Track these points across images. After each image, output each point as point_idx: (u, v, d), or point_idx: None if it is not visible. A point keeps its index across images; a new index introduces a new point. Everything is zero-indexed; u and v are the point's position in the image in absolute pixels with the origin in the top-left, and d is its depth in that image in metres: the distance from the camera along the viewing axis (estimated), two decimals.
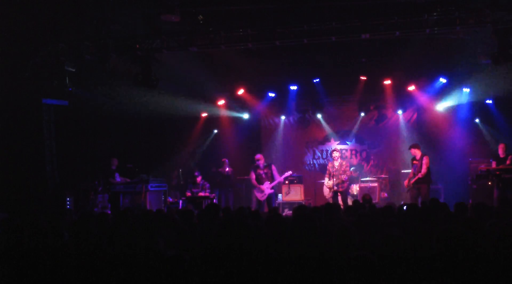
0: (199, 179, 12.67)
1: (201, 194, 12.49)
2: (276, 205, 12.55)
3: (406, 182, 11.34)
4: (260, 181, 11.80)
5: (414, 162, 11.20)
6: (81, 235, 4.84)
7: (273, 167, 12.11)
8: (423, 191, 10.89)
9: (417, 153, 11.21)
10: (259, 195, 11.79)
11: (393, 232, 3.47)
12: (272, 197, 11.92)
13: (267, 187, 11.74)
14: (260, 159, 12.01)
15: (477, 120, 14.14)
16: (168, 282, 3.08)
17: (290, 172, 12.70)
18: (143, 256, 4.08)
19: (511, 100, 13.16)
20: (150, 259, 3.88)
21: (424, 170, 10.92)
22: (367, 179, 14.46)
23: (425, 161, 11.05)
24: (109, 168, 12.96)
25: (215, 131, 16.02)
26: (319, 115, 15.21)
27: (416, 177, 10.95)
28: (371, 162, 15.19)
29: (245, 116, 15.86)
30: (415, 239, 3.86)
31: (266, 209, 11.52)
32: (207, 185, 12.79)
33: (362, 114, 14.87)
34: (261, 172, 11.80)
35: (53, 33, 10.75)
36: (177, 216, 6.60)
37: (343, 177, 11.89)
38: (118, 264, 3.87)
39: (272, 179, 11.84)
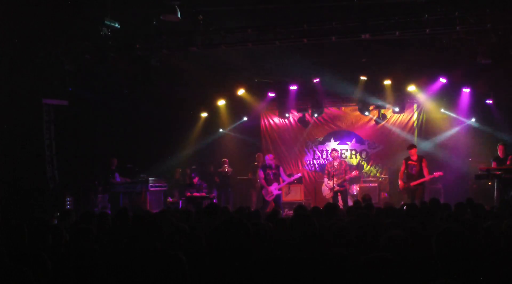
0: (195, 179, 12.66)
1: (196, 194, 12.48)
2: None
3: (401, 183, 11.48)
4: (268, 181, 11.74)
5: (410, 162, 11.38)
6: (81, 235, 4.84)
7: (281, 169, 12.12)
8: (420, 192, 11.14)
9: (414, 154, 11.42)
10: (266, 196, 11.75)
11: (397, 233, 3.47)
12: (280, 197, 11.90)
13: (275, 188, 11.71)
14: (271, 158, 11.97)
15: (476, 120, 14.14)
16: (168, 282, 3.08)
17: (299, 174, 12.90)
18: (143, 255, 4.08)
19: (511, 100, 13.15)
20: (150, 259, 3.87)
21: (427, 173, 11.21)
22: (367, 179, 14.48)
23: (426, 163, 11.35)
24: (109, 168, 12.96)
25: (221, 130, 16.02)
26: (319, 116, 15.21)
27: (422, 180, 11.22)
28: (371, 162, 15.20)
29: (245, 116, 15.87)
30: (416, 239, 3.86)
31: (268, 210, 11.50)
32: (204, 185, 12.78)
33: (362, 114, 14.87)
34: (270, 172, 11.76)
35: (53, 33, 10.75)
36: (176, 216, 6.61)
37: (344, 176, 11.94)
38: (118, 263, 3.87)
39: (279, 179, 11.80)
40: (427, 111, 14.76)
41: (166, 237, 4.88)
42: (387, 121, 15.04)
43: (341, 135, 15.55)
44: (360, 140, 15.40)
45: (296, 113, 15.62)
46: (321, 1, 10.10)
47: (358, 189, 13.64)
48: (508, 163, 10.89)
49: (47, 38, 10.96)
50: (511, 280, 3.07)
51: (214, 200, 12.69)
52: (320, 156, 15.66)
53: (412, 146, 11.70)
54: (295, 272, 3.06)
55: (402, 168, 11.54)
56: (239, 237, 3.01)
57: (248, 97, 15.09)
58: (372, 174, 15.00)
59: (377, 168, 15.14)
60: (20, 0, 9.50)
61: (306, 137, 15.83)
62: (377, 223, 4.45)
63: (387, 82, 13.88)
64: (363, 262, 2.74)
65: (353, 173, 12.29)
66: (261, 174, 11.91)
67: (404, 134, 14.94)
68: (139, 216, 6.85)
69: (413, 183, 11.26)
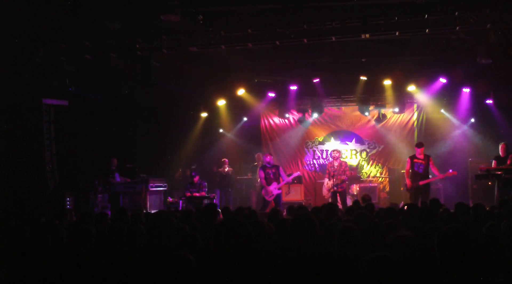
0: (196, 179, 12.65)
1: (197, 194, 12.47)
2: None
3: (409, 181, 11.04)
4: (268, 181, 11.73)
5: (416, 160, 11.00)
6: (81, 235, 4.84)
7: (281, 169, 12.09)
8: (428, 193, 10.81)
9: (422, 152, 11.07)
10: (266, 196, 11.74)
11: (405, 233, 3.46)
12: (280, 197, 11.88)
13: (274, 188, 11.69)
14: (269, 159, 11.96)
15: (476, 120, 14.14)
16: (168, 282, 3.08)
17: (298, 173, 12.88)
18: (143, 255, 4.08)
19: (511, 100, 13.16)
20: (150, 259, 3.88)
21: (438, 171, 11.00)
22: (367, 179, 14.47)
23: (433, 162, 11.08)
24: (109, 168, 12.95)
25: (221, 130, 16.03)
26: (319, 115, 15.21)
27: (435, 178, 11.06)
28: (371, 162, 15.21)
29: (245, 116, 15.87)
30: (419, 240, 3.85)
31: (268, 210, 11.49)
32: (205, 184, 12.76)
33: (362, 114, 14.87)
34: (270, 171, 11.75)
35: (53, 33, 10.75)
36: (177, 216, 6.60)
37: (343, 177, 11.94)
38: (117, 264, 3.87)
39: (279, 179, 11.78)
40: (427, 111, 14.77)
41: (166, 237, 4.88)
42: (387, 121, 15.06)
43: (341, 135, 15.56)
44: (360, 141, 15.41)
45: (296, 113, 15.63)
46: (321, 1, 10.09)
47: (358, 189, 13.64)
48: (508, 161, 10.88)
49: (47, 38, 10.96)
50: (511, 280, 3.08)
51: (214, 200, 12.68)
52: (320, 156, 15.67)
53: (421, 144, 11.26)
54: (295, 272, 3.06)
55: (408, 166, 11.14)
56: (239, 237, 3.01)
57: (248, 97, 15.09)
58: (372, 174, 15.01)
59: (377, 168, 15.15)
60: (20, 0, 9.49)
61: (306, 137, 15.85)
62: (378, 224, 4.46)
63: (387, 82, 13.89)
64: (366, 261, 2.74)
65: (347, 173, 12.21)
66: (261, 173, 11.89)
67: (404, 135, 14.95)
68: (138, 216, 6.86)
69: (422, 182, 10.83)
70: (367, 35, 10.14)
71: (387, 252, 2.84)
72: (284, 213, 7.99)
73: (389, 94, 14.19)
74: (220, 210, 7.74)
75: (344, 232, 3.97)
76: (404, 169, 12.10)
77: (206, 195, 12.58)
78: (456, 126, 14.40)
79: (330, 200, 11.66)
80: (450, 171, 11.22)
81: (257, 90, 15.03)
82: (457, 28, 9.74)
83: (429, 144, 14.08)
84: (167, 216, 6.56)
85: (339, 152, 12.64)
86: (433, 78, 13.53)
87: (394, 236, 3.36)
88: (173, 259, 3.01)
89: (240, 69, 13.77)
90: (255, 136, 16.14)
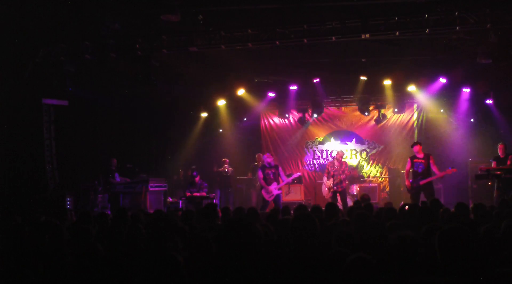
0: (197, 179, 12.65)
1: (197, 194, 12.47)
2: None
3: (408, 182, 10.91)
4: (267, 181, 11.71)
5: (416, 160, 10.83)
6: (81, 235, 4.84)
7: (280, 168, 12.07)
8: (431, 191, 10.64)
9: (420, 151, 10.90)
10: (266, 195, 11.71)
11: (406, 233, 3.46)
12: (279, 197, 11.86)
13: (274, 188, 11.67)
14: (270, 159, 11.91)
15: (475, 120, 14.14)
16: (167, 282, 3.08)
17: (299, 173, 12.87)
18: (142, 256, 4.08)
19: (511, 100, 13.16)
20: (149, 259, 3.87)
21: (438, 170, 10.74)
22: (367, 179, 14.48)
23: (434, 160, 10.81)
24: (109, 168, 12.96)
25: (221, 130, 16.03)
26: (319, 115, 15.21)
27: (435, 177, 10.74)
28: (371, 162, 15.20)
29: (245, 116, 15.86)
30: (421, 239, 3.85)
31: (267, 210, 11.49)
32: (205, 184, 12.77)
33: (362, 114, 14.87)
34: (269, 171, 11.73)
35: (53, 33, 10.75)
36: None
37: (342, 176, 11.93)
38: (117, 264, 3.87)
39: (278, 179, 11.76)
40: (427, 111, 14.77)
41: (167, 237, 4.87)
42: (387, 121, 15.06)
43: (341, 135, 15.57)
44: (360, 141, 15.42)
45: (296, 113, 15.63)
46: (321, 1, 10.10)
47: (358, 189, 13.64)
48: (508, 162, 10.86)
49: (47, 38, 10.96)
50: (511, 280, 3.07)
51: (214, 200, 12.68)
52: (320, 156, 15.67)
53: (416, 143, 11.12)
54: (295, 272, 3.07)
55: (408, 166, 10.98)
56: (240, 238, 3.02)
57: (248, 97, 15.08)
58: (372, 174, 15.02)
59: (377, 168, 15.15)
60: (20, 0, 9.49)
61: (306, 137, 15.86)
62: (377, 224, 4.45)
63: (387, 82, 13.89)
64: (347, 263, 2.77)
65: (347, 173, 12.20)
66: (260, 174, 11.87)
67: (404, 135, 14.96)
68: (137, 216, 6.86)
69: (423, 181, 10.60)
70: (367, 35, 10.15)
71: (367, 253, 2.87)
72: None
73: (389, 94, 14.19)
74: (220, 210, 7.74)
75: (342, 235, 3.97)
76: (404, 168, 11.91)
77: (206, 195, 12.58)
78: (456, 126, 14.40)
79: (330, 200, 11.65)
80: (449, 168, 11.06)
81: (257, 90, 15.03)
82: (457, 28, 9.74)
83: (429, 144, 14.08)
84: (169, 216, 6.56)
85: (342, 153, 12.61)
86: (433, 78, 13.52)
87: (396, 235, 3.36)
88: (162, 259, 3.02)
89: (240, 69, 13.78)
90: (255, 137, 16.15)
